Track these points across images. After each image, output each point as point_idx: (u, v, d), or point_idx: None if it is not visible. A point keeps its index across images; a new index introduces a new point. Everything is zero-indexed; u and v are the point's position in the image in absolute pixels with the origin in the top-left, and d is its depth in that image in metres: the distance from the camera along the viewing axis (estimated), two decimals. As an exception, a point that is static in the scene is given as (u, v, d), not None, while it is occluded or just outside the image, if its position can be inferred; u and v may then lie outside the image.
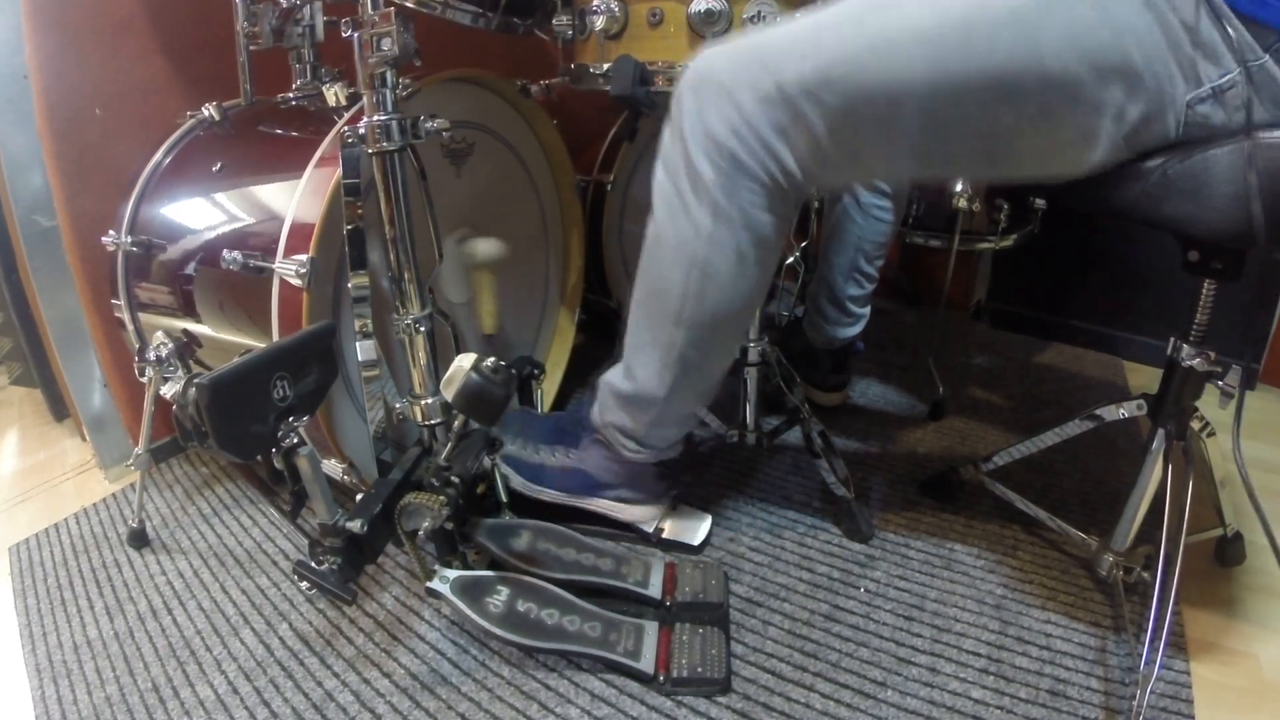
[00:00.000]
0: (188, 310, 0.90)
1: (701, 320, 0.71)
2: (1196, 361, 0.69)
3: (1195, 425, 0.74)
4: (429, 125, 0.75)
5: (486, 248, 0.93)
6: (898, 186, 1.10)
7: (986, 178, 0.83)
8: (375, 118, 0.70)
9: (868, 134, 0.60)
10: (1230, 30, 0.52)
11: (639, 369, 0.77)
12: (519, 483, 0.90)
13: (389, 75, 0.70)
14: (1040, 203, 1.28)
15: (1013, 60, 0.54)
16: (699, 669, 0.71)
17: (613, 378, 0.82)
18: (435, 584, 0.74)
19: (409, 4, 0.76)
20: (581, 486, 0.89)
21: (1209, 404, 0.71)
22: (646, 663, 0.72)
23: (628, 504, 0.90)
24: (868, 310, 1.19)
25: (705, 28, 0.74)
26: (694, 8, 0.74)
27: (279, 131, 0.93)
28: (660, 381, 0.76)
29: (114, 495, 1.08)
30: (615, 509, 0.90)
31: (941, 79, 0.55)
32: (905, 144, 0.60)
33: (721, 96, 0.62)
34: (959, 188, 1.12)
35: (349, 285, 0.78)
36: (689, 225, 0.66)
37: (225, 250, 0.80)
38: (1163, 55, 0.53)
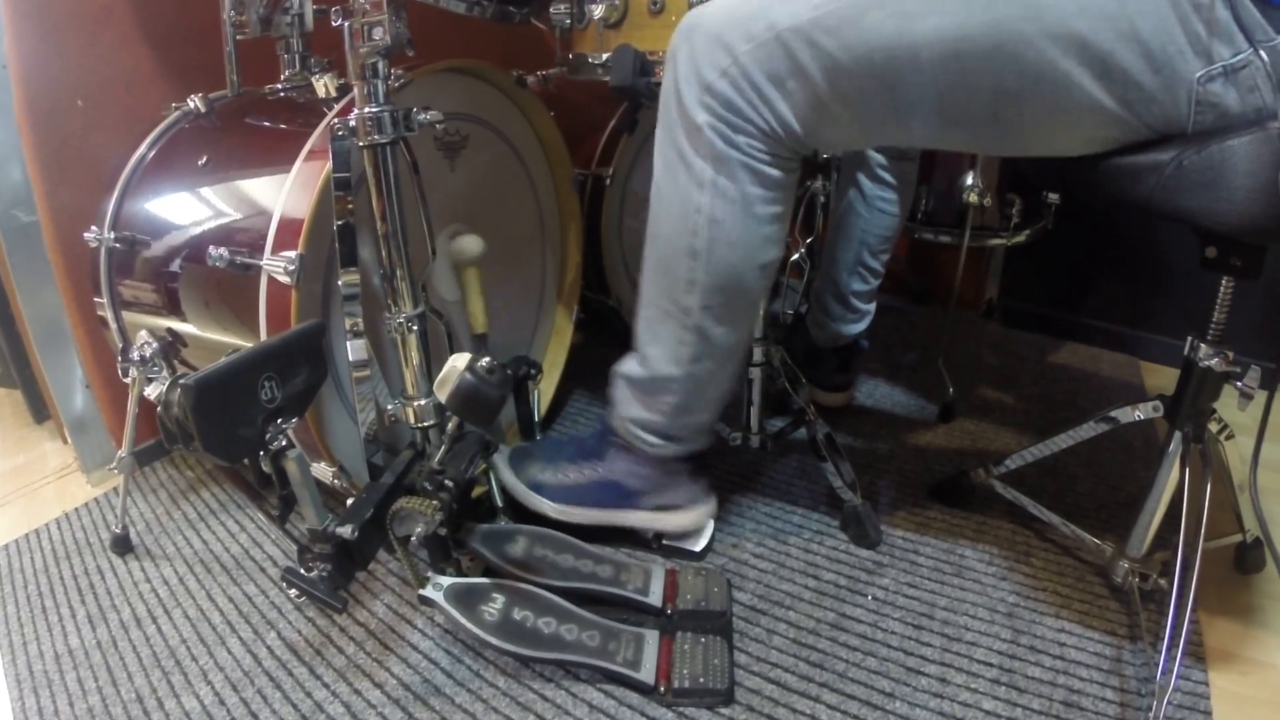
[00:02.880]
0: (172, 308, 0.90)
1: (715, 281, 0.71)
2: (1215, 362, 0.69)
3: (1213, 427, 0.74)
4: (422, 117, 0.75)
5: (469, 245, 0.93)
6: (905, 174, 1.10)
7: (997, 150, 0.82)
8: (366, 109, 0.70)
9: (867, 86, 0.61)
10: (1242, 10, 0.53)
11: (653, 349, 0.77)
12: (553, 509, 0.89)
13: (380, 65, 0.70)
14: (1054, 197, 1.28)
15: (1012, 15, 0.55)
16: (701, 679, 0.72)
17: (626, 366, 0.81)
18: (428, 591, 0.75)
19: (401, -8, 0.76)
20: (615, 499, 0.87)
21: (1227, 406, 0.71)
22: (647, 673, 0.72)
23: (664, 512, 0.88)
24: (873, 307, 1.20)
25: (707, 16, 0.74)
26: (696, -5, 0.74)
27: (267, 124, 0.93)
28: (676, 359, 0.75)
29: (96, 500, 1.08)
30: (654, 520, 0.88)
31: (939, 27, 0.56)
32: (905, 98, 0.60)
33: (713, 43, 0.62)
34: (970, 181, 1.12)
35: (339, 283, 0.78)
36: (690, 180, 0.67)
37: (211, 246, 0.80)
38: (1170, 29, 0.54)
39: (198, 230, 0.87)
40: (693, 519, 0.89)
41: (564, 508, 0.89)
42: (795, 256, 1.27)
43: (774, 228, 0.71)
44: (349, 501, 0.75)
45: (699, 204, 0.67)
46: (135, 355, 0.89)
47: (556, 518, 0.89)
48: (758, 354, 0.97)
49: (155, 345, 0.89)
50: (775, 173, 0.67)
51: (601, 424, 0.89)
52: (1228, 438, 0.76)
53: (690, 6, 0.75)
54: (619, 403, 0.83)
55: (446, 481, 0.75)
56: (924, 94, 0.60)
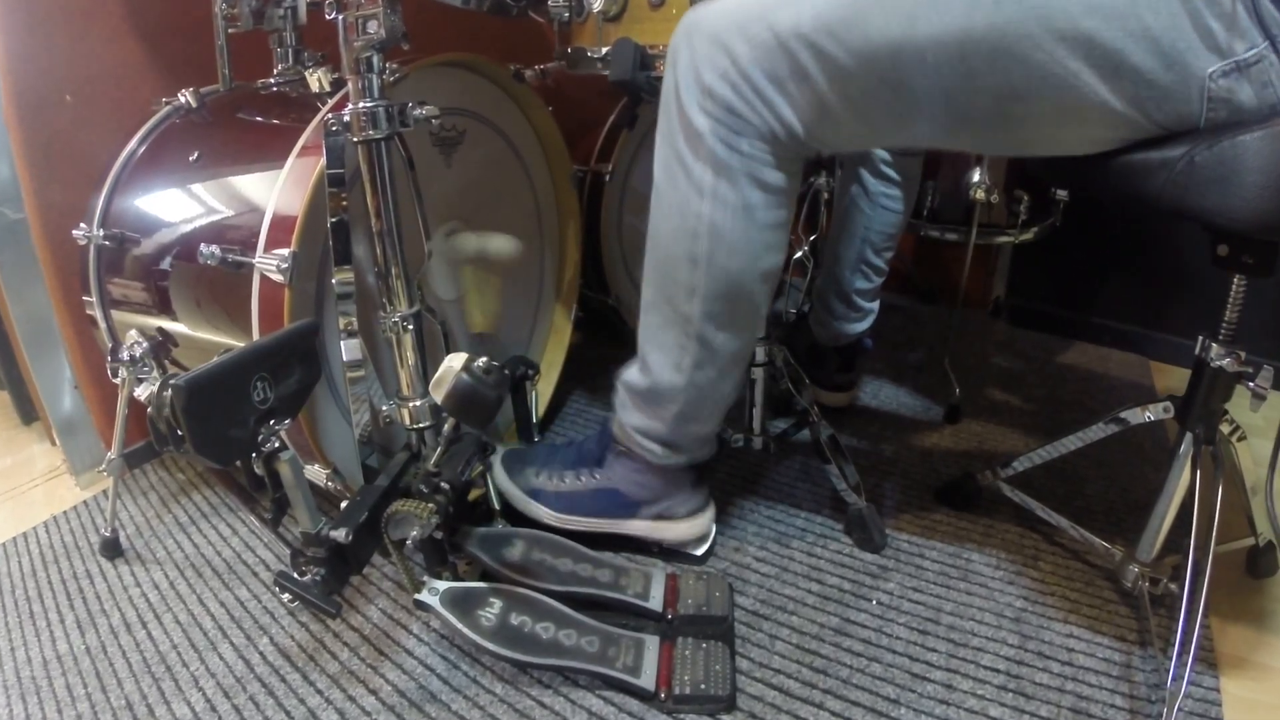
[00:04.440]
0: (163, 307, 0.90)
1: (716, 288, 0.71)
2: (1226, 362, 0.69)
3: (1225, 429, 0.74)
4: (417, 112, 0.75)
5: (503, 245, 0.92)
6: (909, 169, 1.10)
7: (1003, 150, 0.82)
8: (361, 104, 0.70)
9: (872, 88, 0.61)
10: (1256, 3, 0.53)
11: (654, 357, 0.77)
12: (551, 516, 0.89)
13: (375, 59, 0.70)
14: (1062, 194, 1.28)
15: (1019, 15, 0.55)
16: (702, 685, 0.72)
17: (628, 375, 0.82)
18: (424, 596, 0.75)
19: (396, -16, 0.76)
20: (614, 507, 0.87)
21: (1239, 407, 0.71)
22: (647, 679, 0.72)
23: (665, 521, 0.88)
24: (876, 305, 1.20)
25: (709, 9, 0.74)
26: (697, -12, 0.74)
27: (259, 119, 0.93)
28: (677, 368, 0.75)
29: (85, 503, 1.08)
30: (655, 529, 0.88)
31: (944, 26, 0.56)
32: (910, 98, 0.60)
33: (713, 45, 0.62)
34: (976, 178, 1.12)
35: (333, 281, 0.78)
36: (690, 186, 0.67)
37: (203, 244, 0.80)
38: (1181, 24, 0.54)
39: (189, 228, 0.87)
40: (693, 529, 0.89)
41: (562, 516, 0.89)
42: (798, 254, 1.27)
43: (775, 234, 0.71)
44: (343, 504, 0.75)
45: (699, 211, 0.67)
46: (125, 355, 0.89)
47: (555, 525, 0.89)
48: (760, 354, 0.97)
49: (145, 345, 0.89)
50: (777, 177, 0.67)
51: (602, 429, 0.88)
52: (1240, 439, 0.76)
53: (691, 1, 0.75)
54: (621, 409, 0.83)
55: (442, 484, 0.75)
56: (929, 95, 0.60)
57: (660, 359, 0.76)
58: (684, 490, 0.87)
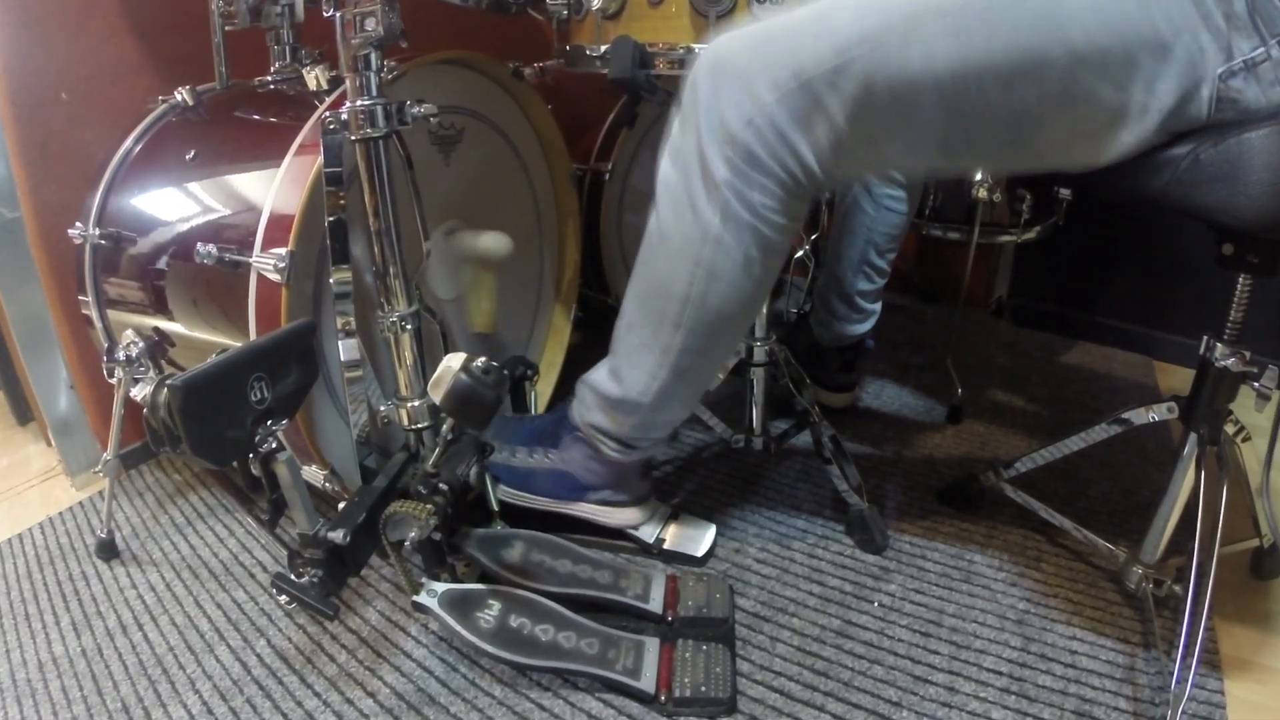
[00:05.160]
0: (159, 307, 0.90)
1: (701, 324, 0.71)
2: (1231, 362, 0.69)
3: (1230, 429, 0.74)
4: (416, 110, 0.75)
5: (494, 243, 0.93)
6: (913, 179, 1.10)
7: (1010, 168, 0.83)
8: (359, 102, 0.70)
9: (888, 120, 0.60)
10: (1260, 2, 0.53)
11: (628, 372, 0.78)
12: (504, 490, 0.91)
13: (373, 57, 0.70)
14: (1065, 193, 1.28)
15: (1036, 34, 0.54)
16: (702, 688, 0.71)
17: (598, 379, 0.82)
18: (422, 598, 0.75)
19: (394, -19, 0.76)
20: (566, 489, 0.90)
21: (1244, 407, 0.71)
22: (647, 681, 0.72)
23: (612, 506, 0.90)
24: (878, 306, 1.20)
25: (709, 7, 0.74)
26: (697, -15, 0.74)
27: (256, 117, 0.93)
28: (649, 387, 0.77)
29: (81, 504, 1.08)
30: (600, 513, 0.91)
31: (963, 56, 0.56)
32: (926, 130, 0.60)
33: (738, 86, 0.62)
34: (979, 177, 1.12)
35: (330, 281, 0.78)
36: (696, 226, 0.67)
37: (199, 243, 0.80)
38: (1193, 26, 0.54)
39: (185, 227, 0.87)
40: (638, 515, 0.91)
41: (513, 491, 0.91)
42: (799, 254, 1.27)
43: (768, 284, 0.74)
44: (341, 505, 0.75)
45: (699, 254, 0.67)
46: (121, 355, 0.89)
47: (506, 500, 0.90)
48: (761, 354, 0.97)
49: (141, 345, 0.89)
50: (782, 226, 0.67)
51: (561, 411, 0.89)
52: (1244, 440, 0.76)
53: (703, 15, 0.75)
54: (585, 405, 0.84)
55: (441, 485, 0.75)
56: (945, 123, 0.60)
57: (634, 377, 0.77)
58: (632, 478, 0.89)
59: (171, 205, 0.90)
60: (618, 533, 0.92)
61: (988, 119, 0.59)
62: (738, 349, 0.98)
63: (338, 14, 0.69)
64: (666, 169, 0.69)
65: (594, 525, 0.92)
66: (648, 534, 0.92)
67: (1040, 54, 0.55)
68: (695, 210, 0.66)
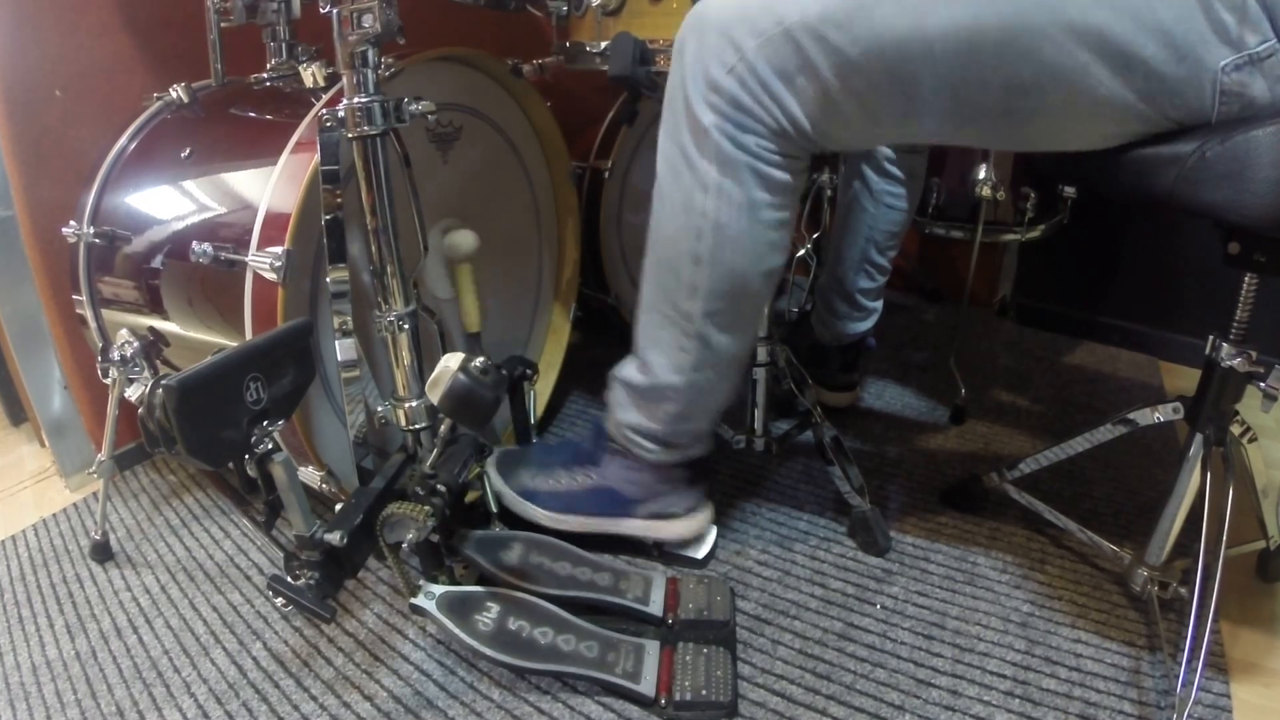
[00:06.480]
0: (154, 306, 0.90)
1: (718, 287, 0.71)
2: (1237, 362, 0.69)
3: (1236, 430, 0.74)
4: (413, 108, 0.75)
5: (462, 240, 0.92)
6: (913, 167, 1.10)
7: (1010, 145, 0.82)
8: (355, 100, 0.70)
9: (878, 81, 0.61)
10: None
11: (653, 356, 0.77)
12: (546, 516, 0.89)
13: (370, 54, 0.70)
14: (1070, 191, 1.28)
15: (1029, 6, 0.55)
16: (703, 692, 0.71)
17: (625, 371, 0.81)
18: (420, 600, 0.74)
19: (392, -23, 0.76)
20: (610, 506, 0.87)
21: (1250, 408, 0.71)
22: (647, 685, 0.72)
23: (661, 520, 0.88)
24: (879, 304, 1.20)
25: (710, 3, 0.74)
26: (698, -19, 0.74)
27: (252, 114, 0.93)
28: (677, 367, 0.76)
29: (75, 505, 1.08)
30: (653, 528, 0.88)
31: (954, 23, 0.56)
32: (919, 95, 0.61)
33: (720, 39, 0.62)
34: (982, 174, 1.12)
35: (327, 280, 0.78)
36: (694, 181, 0.67)
37: (195, 242, 0.80)
38: (1193, 15, 0.54)
39: (180, 225, 0.87)
40: (691, 527, 0.89)
41: (558, 516, 0.89)
42: (801, 252, 1.27)
43: (779, 233, 0.71)
44: (337, 507, 0.75)
45: (703, 208, 0.67)
46: (116, 355, 0.89)
47: (550, 526, 0.89)
48: (762, 354, 0.97)
49: (136, 345, 0.89)
50: (782, 175, 0.67)
51: (596, 428, 0.88)
52: (1250, 441, 0.76)
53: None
54: (616, 407, 0.83)
55: (439, 486, 0.75)
56: (935, 90, 0.60)
57: (659, 358, 0.77)
58: (679, 489, 0.87)
59: (166, 203, 0.90)
60: (670, 553, 0.90)
61: (980, 87, 0.59)
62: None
63: (334, 10, 0.69)
64: (662, 139, 0.69)
65: (645, 544, 0.90)
66: (695, 549, 0.90)
67: (1033, 22, 0.55)
68: (691, 165, 0.66)
